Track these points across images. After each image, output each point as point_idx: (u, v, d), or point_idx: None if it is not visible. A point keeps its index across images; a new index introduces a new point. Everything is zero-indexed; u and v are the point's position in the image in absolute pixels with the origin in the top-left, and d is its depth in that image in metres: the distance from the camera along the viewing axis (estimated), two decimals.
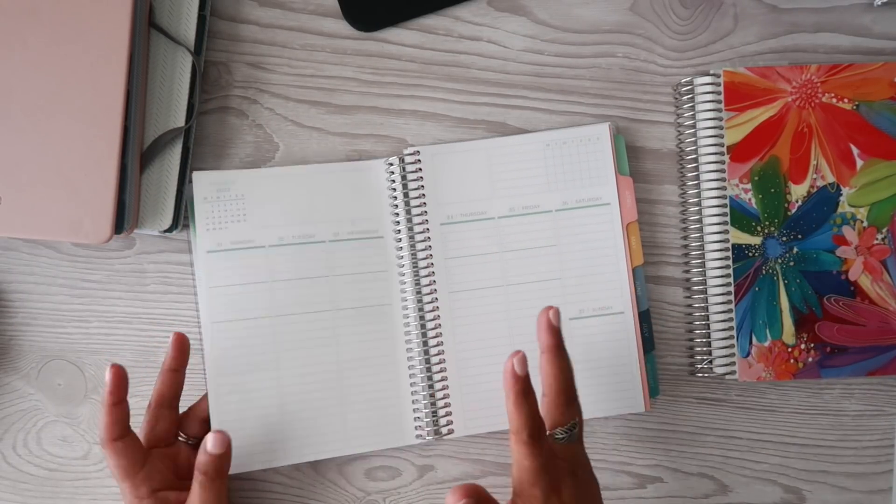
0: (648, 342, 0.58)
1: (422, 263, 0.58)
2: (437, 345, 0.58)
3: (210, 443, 0.49)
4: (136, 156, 0.54)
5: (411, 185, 0.58)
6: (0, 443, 0.60)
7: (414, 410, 0.58)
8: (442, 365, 0.58)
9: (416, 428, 0.58)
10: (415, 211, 0.58)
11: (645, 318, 0.58)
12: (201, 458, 0.50)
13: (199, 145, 0.59)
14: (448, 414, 0.58)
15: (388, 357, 0.58)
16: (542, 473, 0.45)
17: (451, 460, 0.60)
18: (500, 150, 0.58)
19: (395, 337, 0.58)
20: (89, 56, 0.52)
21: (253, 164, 0.59)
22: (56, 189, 0.52)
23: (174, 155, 0.56)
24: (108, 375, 0.50)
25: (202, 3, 0.56)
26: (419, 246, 0.58)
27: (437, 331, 0.58)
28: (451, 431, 0.58)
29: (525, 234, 0.58)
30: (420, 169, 0.58)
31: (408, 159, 0.58)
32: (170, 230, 0.56)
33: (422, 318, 0.58)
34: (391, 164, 0.58)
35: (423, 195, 0.58)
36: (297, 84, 0.59)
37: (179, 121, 0.56)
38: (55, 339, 0.60)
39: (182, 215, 0.57)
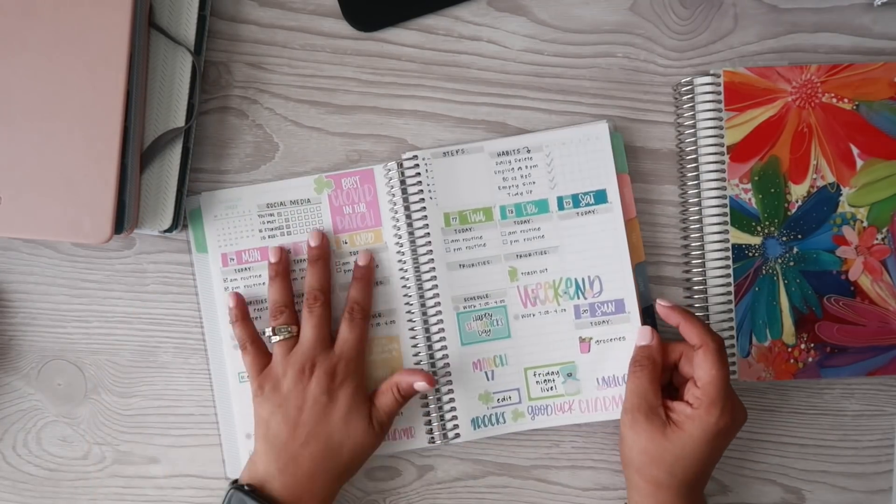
0: None
1: (424, 268, 0.58)
2: (442, 348, 0.58)
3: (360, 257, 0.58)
4: (136, 156, 0.54)
5: (410, 189, 0.58)
6: (0, 443, 0.60)
7: (424, 415, 0.58)
8: (447, 370, 0.58)
9: (427, 432, 0.58)
10: (415, 216, 0.58)
11: (648, 315, 0.58)
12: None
13: (199, 145, 0.59)
14: (454, 419, 0.58)
15: (397, 362, 0.58)
16: (728, 382, 0.51)
17: (450, 460, 0.60)
18: (500, 151, 0.58)
19: (402, 343, 0.59)
20: (89, 56, 0.52)
21: (253, 165, 0.59)
22: (56, 189, 0.52)
23: (174, 155, 0.56)
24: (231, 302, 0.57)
25: (202, 3, 0.56)
26: (420, 251, 0.58)
27: (441, 335, 0.58)
28: (457, 436, 0.58)
29: (527, 236, 0.58)
30: (419, 174, 0.57)
31: (406, 164, 0.58)
32: (170, 230, 0.56)
33: (426, 321, 0.58)
34: (390, 170, 0.58)
35: (423, 200, 0.57)
36: (297, 84, 0.59)
37: (179, 121, 0.56)
38: (55, 339, 0.60)
39: (182, 215, 0.57)
